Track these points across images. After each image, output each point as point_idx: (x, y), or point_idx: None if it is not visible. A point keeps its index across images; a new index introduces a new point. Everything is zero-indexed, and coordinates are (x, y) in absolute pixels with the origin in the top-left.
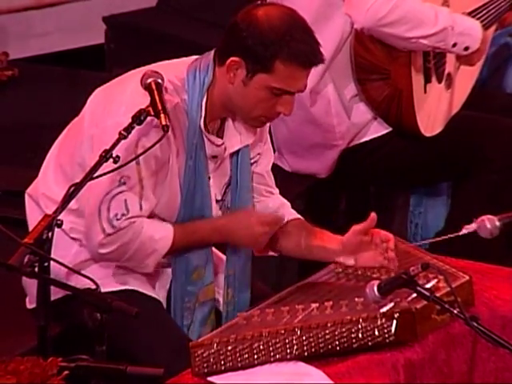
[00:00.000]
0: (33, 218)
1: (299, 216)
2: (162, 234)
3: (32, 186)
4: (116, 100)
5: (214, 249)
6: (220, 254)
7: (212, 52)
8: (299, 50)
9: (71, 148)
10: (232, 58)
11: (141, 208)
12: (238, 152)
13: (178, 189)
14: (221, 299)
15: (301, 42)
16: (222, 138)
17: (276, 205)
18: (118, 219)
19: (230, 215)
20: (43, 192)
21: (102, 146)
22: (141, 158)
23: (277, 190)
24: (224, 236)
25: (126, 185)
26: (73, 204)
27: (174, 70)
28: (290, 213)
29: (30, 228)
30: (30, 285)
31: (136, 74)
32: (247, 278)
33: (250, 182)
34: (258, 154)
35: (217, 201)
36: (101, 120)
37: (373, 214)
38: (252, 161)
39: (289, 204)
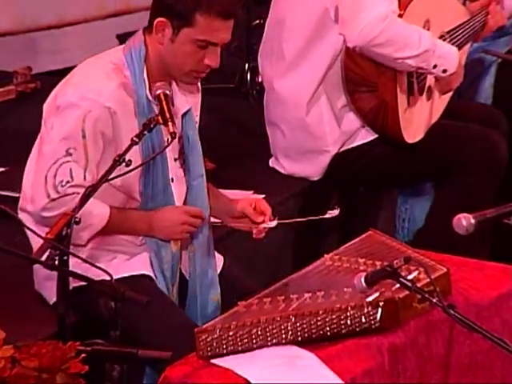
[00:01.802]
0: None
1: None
2: (99, 211)
3: (20, 202)
4: (72, 82)
5: None
6: None
7: (141, 29)
8: (216, 2)
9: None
10: (158, 19)
11: (84, 178)
12: (185, 113)
13: (139, 153)
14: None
15: None
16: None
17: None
18: (62, 186)
19: (159, 208)
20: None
21: (53, 123)
22: (88, 133)
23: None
24: (149, 224)
25: (71, 156)
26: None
27: (113, 54)
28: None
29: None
30: (44, 284)
31: (89, 62)
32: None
33: (197, 139)
34: (197, 115)
35: (175, 159)
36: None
37: (260, 196)
38: (195, 118)
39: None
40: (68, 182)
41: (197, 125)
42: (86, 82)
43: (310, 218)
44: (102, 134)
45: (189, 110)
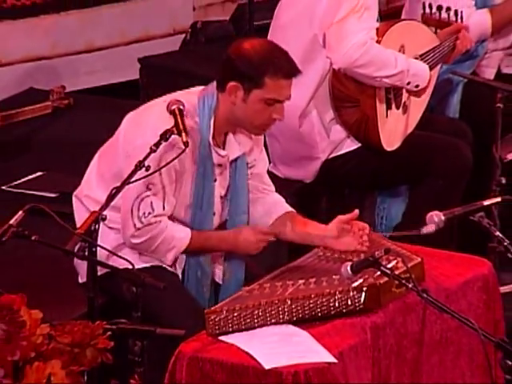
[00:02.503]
0: (78, 213)
1: (292, 209)
2: (181, 235)
3: (78, 189)
4: (143, 123)
5: None
6: None
7: (214, 83)
8: (282, 65)
9: (110, 160)
10: (231, 84)
11: (163, 208)
12: (236, 159)
13: (190, 190)
14: (221, 276)
15: (281, 60)
16: (224, 149)
17: (272, 200)
18: (145, 217)
19: (234, 229)
20: (86, 194)
21: (133, 161)
22: (163, 169)
23: (273, 188)
24: (230, 245)
25: (151, 190)
26: (115, 204)
27: (187, 98)
28: (285, 207)
29: (77, 221)
30: (81, 265)
31: (158, 102)
32: (241, 264)
33: (245, 182)
34: (255, 159)
35: (221, 197)
36: (132, 140)
37: (356, 210)
38: (250, 165)
39: (283, 200)
40: (150, 213)
41: (250, 170)
42: (160, 124)
43: (407, 233)
44: (174, 170)
45: (239, 157)
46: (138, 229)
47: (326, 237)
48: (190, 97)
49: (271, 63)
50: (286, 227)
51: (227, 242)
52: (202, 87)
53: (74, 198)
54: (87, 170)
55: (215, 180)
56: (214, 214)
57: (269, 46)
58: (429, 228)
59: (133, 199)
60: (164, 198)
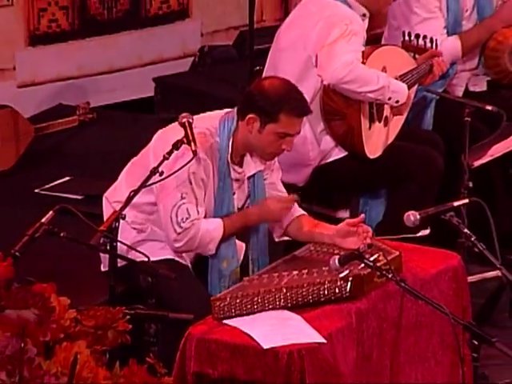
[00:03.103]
0: (107, 213)
1: (304, 212)
2: (214, 226)
3: (108, 192)
4: (169, 141)
5: (236, 240)
6: (240, 242)
7: (235, 109)
8: (296, 105)
9: (139, 170)
10: (249, 116)
11: (198, 212)
12: (254, 175)
13: (212, 200)
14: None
15: (296, 100)
16: (241, 167)
17: None
18: (183, 222)
19: (256, 204)
20: (116, 198)
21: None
22: (192, 180)
23: (286, 194)
24: (258, 216)
25: (185, 199)
26: (137, 204)
27: (209, 121)
28: (298, 210)
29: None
30: (104, 256)
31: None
32: (266, 259)
33: (263, 195)
34: (269, 172)
35: (238, 208)
36: (159, 154)
37: (362, 215)
38: (265, 176)
39: (296, 204)
40: (187, 218)
41: (266, 180)
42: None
43: (404, 235)
44: (201, 179)
45: (256, 173)
46: (179, 233)
47: (335, 236)
48: (212, 119)
49: (287, 102)
50: (301, 228)
51: (255, 215)
52: (223, 110)
53: (104, 200)
54: (119, 177)
55: (234, 193)
56: None
57: (286, 87)
58: (425, 231)
59: (171, 208)
60: (197, 204)
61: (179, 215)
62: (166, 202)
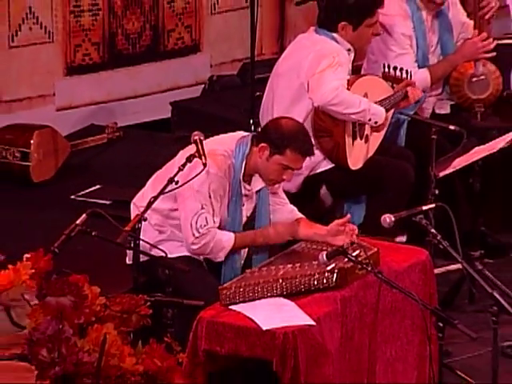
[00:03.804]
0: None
1: (302, 215)
2: (227, 238)
3: (136, 198)
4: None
5: None
6: None
7: (250, 135)
8: (302, 146)
9: (164, 181)
10: (262, 144)
11: (214, 222)
12: (260, 190)
13: (226, 211)
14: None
15: (303, 141)
16: (250, 184)
17: (287, 209)
18: (201, 228)
19: (265, 227)
20: (143, 204)
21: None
22: (212, 194)
23: (287, 201)
24: (264, 238)
25: (204, 209)
26: (158, 209)
27: (227, 143)
28: (297, 214)
29: None
30: (129, 252)
31: (213, 144)
32: (266, 255)
33: (267, 207)
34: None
35: (247, 217)
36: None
37: (348, 215)
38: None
39: (296, 208)
40: (205, 225)
41: (272, 188)
42: (211, 160)
43: (385, 239)
44: (219, 195)
45: (262, 188)
46: (196, 237)
47: (327, 235)
48: (229, 142)
49: (295, 141)
50: (297, 229)
51: (262, 236)
52: (238, 133)
53: (132, 205)
54: (145, 186)
55: (243, 205)
56: (240, 228)
57: (298, 128)
58: (402, 239)
59: (191, 216)
60: (213, 214)
61: (198, 222)
62: (188, 210)
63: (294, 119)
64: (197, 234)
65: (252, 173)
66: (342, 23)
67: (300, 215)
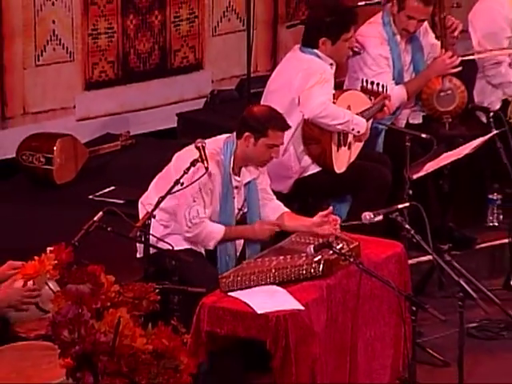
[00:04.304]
0: (142, 213)
1: (288, 209)
2: (217, 230)
3: (143, 198)
4: (185, 160)
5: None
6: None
7: (234, 133)
8: (280, 123)
9: (164, 181)
10: (246, 134)
11: (205, 213)
12: (249, 182)
13: (218, 203)
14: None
15: (279, 119)
16: (239, 176)
17: (274, 204)
18: (194, 219)
19: (252, 224)
20: (148, 202)
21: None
22: (202, 189)
23: (274, 197)
24: (250, 234)
25: (196, 202)
26: (163, 207)
27: (215, 143)
28: (283, 208)
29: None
30: (139, 246)
31: (193, 146)
32: (258, 246)
33: (257, 198)
34: (261, 180)
35: (238, 209)
36: (178, 172)
37: (330, 207)
38: (258, 183)
39: (281, 203)
40: (197, 216)
41: (258, 186)
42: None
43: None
44: (209, 189)
45: (251, 181)
46: (190, 227)
47: (312, 226)
48: (217, 142)
49: (272, 121)
50: (285, 221)
51: (249, 231)
52: (225, 135)
53: (140, 204)
54: (149, 187)
55: (234, 197)
56: (233, 219)
57: (270, 110)
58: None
59: (185, 208)
60: (204, 206)
61: (191, 214)
62: (182, 203)
63: (263, 104)
64: (190, 225)
65: (241, 164)
66: (322, 39)
67: (286, 209)
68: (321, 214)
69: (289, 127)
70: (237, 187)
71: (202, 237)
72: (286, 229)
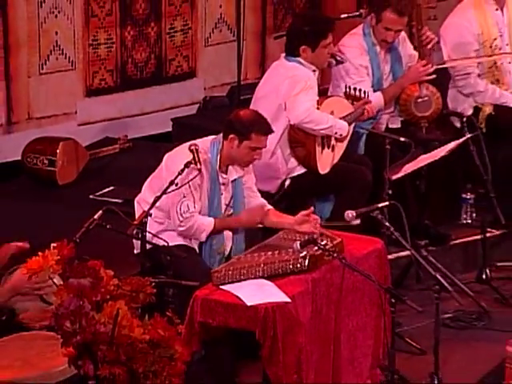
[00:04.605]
0: (138, 212)
1: (271, 207)
2: (208, 222)
3: (138, 197)
4: (176, 160)
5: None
6: (228, 232)
7: (221, 134)
8: (263, 127)
9: (157, 181)
10: (231, 136)
11: (194, 207)
12: (235, 180)
13: (207, 199)
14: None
15: (263, 123)
16: (226, 174)
17: (259, 202)
18: (184, 213)
19: (240, 214)
20: (144, 200)
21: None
22: (191, 185)
23: (259, 195)
24: (239, 223)
25: (186, 198)
26: (157, 205)
27: (204, 143)
28: (267, 206)
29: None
30: (136, 242)
31: (184, 147)
32: (243, 244)
33: (242, 194)
34: (247, 179)
35: (226, 204)
36: (170, 169)
37: (311, 207)
38: (244, 182)
39: (266, 201)
40: (187, 211)
41: (244, 185)
42: (184, 160)
43: (337, 222)
44: (197, 184)
45: (237, 178)
46: (181, 221)
47: (294, 224)
48: (205, 142)
49: (256, 125)
50: (268, 218)
51: (237, 221)
52: (212, 136)
53: (136, 203)
54: (143, 187)
55: (222, 193)
56: (222, 214)
57: (255, 114)
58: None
59: (176, 204)
60: (194, 201)
61: (182, 208)
62: (173, 199)
63: (249, 109)
64: (181, 219)
65: (227, 163)
66: (303, 47)
67: (270, 207)
68: (302, 212)
69: (272, 132)
70: (224, 184)
71: (193, 230)
72: (269, 225)
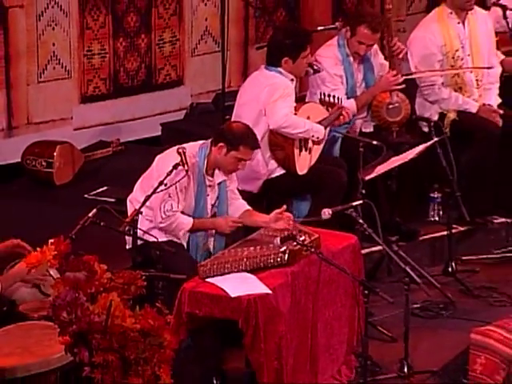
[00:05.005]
0: (130, 210)
1: (250, 207)
2: (187, 221)
3: (130, 196)
4: (165, 161)
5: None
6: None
7: (209, 140)
8: (252, 142)
9: (148, 181)
10: (220, 144)
11: (178, 207)
12: (221, 183)
13: (193, 200)
14: (212, 246)
15: (252, 139)
16: (213, 177)
17: (240, 203)
18: (167, 211)
19: (217, 218)
20: (135, 199)
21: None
22: (177, 186)
23: (240, 197)
24: (214, 227)
25: (170, 198)
26: (148, 204)
27: (193, 148)
28: (246, 207)
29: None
30: (128, 238)
31: (173, 150)
32: (223, 240)
33: (226, 196)
34: (230, 182)
35: (211, 205)
36: (160, 170)
37: (284, 206)
38: (228, 185)
39: (246, 203)
40: (170, 209)
41: (228, 188)
42: (173, 162)
43: (314, 219)
44: (184, 186)
45: (222, 181)
46: (163, 218)
47: (269, 222)
48: (194, 147)
49: (245, 139)
50: (246, 217)
51: (214, 224)
52: (201, 141)
53: (128, 202)
54: (135, 187)
55: (208, 195)
56: (207, 214)
57: (246, 128)
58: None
59: (160, 202)
60: (178, 202)
61: (166, 207)
62: (158, 198)
63: (242, 122)
64: (164, 216)
65: (213, 167)
66: (285, 58)
67: (249, 207)
68: (276, 211)
69: (259, 147)
70: (210, 186)
71: (173, 227)
72: (247, 223)
